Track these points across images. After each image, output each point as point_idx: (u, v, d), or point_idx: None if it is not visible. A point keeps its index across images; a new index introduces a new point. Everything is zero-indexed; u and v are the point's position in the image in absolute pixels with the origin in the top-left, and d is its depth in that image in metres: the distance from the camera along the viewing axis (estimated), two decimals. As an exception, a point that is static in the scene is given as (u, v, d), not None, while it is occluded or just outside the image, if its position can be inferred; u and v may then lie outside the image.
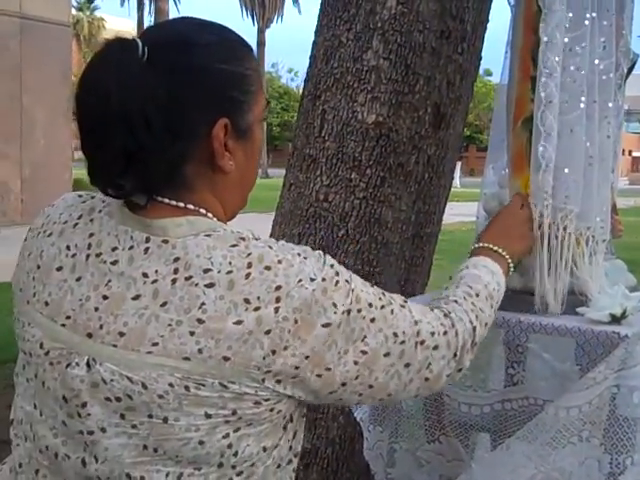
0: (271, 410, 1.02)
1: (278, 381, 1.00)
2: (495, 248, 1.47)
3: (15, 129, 11.78)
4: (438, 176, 2.02)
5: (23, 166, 12.05)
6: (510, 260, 1.48)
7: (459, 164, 37.75)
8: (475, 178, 36.79)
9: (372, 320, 1.06)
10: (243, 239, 1.01)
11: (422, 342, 1.12)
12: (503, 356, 1.66)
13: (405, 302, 1.15)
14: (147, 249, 1.02)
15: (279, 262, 1.00)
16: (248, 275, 0.98)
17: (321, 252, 1.04)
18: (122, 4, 46.17)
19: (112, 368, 0.99)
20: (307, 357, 1.00)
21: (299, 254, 1.02)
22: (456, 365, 1.20)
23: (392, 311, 1.10)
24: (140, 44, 1.00)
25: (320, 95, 2.01)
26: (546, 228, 1.64)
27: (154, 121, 0.98)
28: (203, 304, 0.97)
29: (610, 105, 1.69)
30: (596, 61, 1.66)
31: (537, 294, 1.65)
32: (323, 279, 1.01)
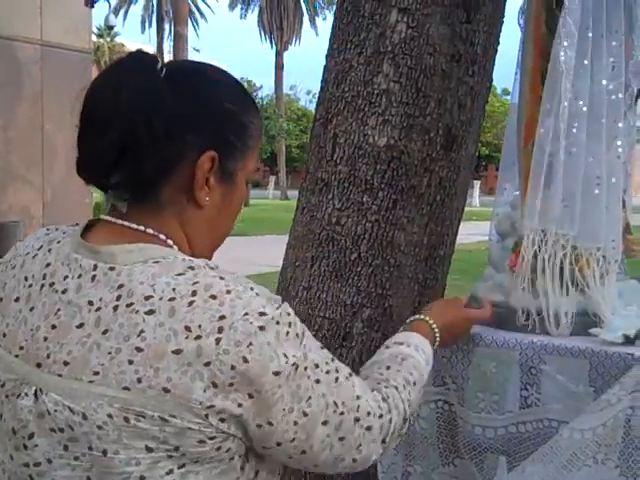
0: (218, 449, 0.98)
1: (222, 419, 0.96)
2: (436, 331, 1.51)
3: (37, 155, 11.91)
4: (450, 198, 2.02)
5: (45, 191, 12.17)
6: (437, 341, 1.52)
7: (478, 183, 37.76)
8: (494, 197, 36.73)
9: (317, 381, 1.03)
10: (192, 268, 1.00)
11: (358, 419, 1.09)
12: (517, 378, 1.65)
13: (350, 375, 1.12)
14: (94, 277, 1.01)
15: (227, 292, 0.97)
16: (191, 303, 0.96)
17: (281, 298, 1.03)
18: (142, 31, 46.73)
19: (56, 398, 0.97)
20: (252, 399, 0.96)
21: (252, 288, 1.00)
22: (382, 452, 1.16)
23: (337, 379, 1.07)
24: (160, 62, 1.06)
25: (331, 119, 2.02)
26: (544, 251, 1.64)
27: (156, 125, 1.01)
28: (142, 331, 0.95)
29: (620, 125, 1.70)
30: (604, 81, 1.66)
31: (544, 315, 1.66)
32: (277, 322, 0.98)
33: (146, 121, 1.00)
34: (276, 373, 0.97)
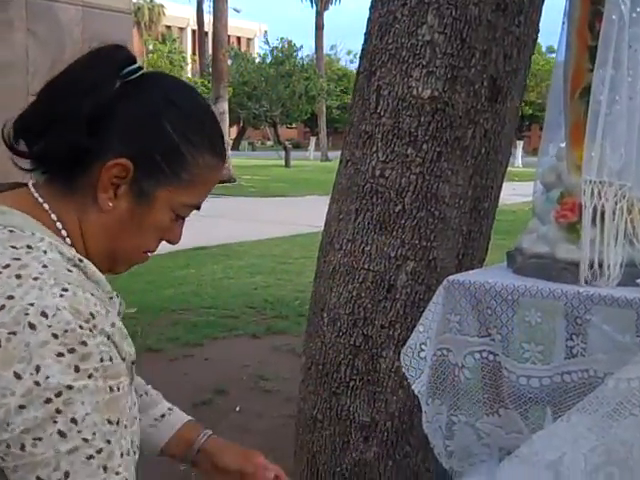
0: None
1: None
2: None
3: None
4: (495, 150, 2.01)
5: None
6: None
7: (520, 143, 37.16)
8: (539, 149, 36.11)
9: (61, 434, 0.89)
10: (30, 247, 0.96)
11: None
12: (562, 328, 1.65)
13: (117, 474, 0.93)
14: None
15: (34, 279, 0.93)
16: None
17: (100, 330, 0.93)
18: (182, -9, 46.51)
19: None
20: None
21: (66, 290, 0.93)
22: None
23: (90, 457, 0.90)
24: (134, 66, 1.05)
25: (375, 71, 2.01)
26: (598, 201, 1.63)
27: (85, 111, 0.99)
28: None
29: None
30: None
31: (585, 265, 1.65)
32: (54, 334, 0.89)
33: (79, 103, 0.99)
34: (17, 376, 0.88)
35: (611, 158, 1.64)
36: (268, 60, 34.90)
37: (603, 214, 1.65)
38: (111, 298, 1.06)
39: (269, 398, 5.20)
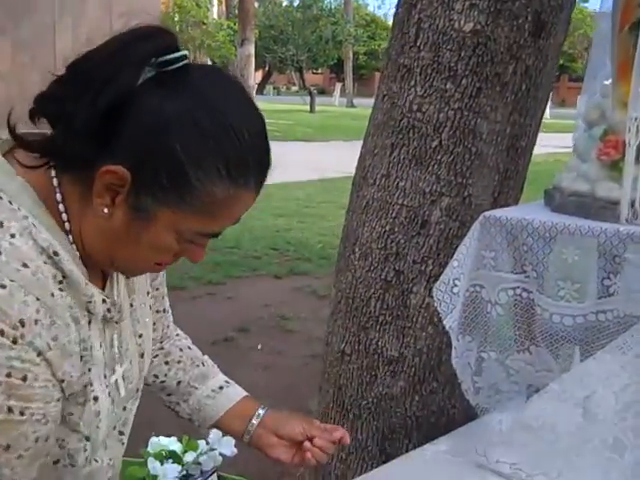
0: None
1: None
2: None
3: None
4: (536, 88, 1.98)
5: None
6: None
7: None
8: (566, 109, 35.64)
9: None
10: (1, 224, 0.88)
11: None
12: (600, 266, 1.64)
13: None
14: None
15: None
16: None
17: (31, 335, 0.85)
18: None
19: None
20: None
21: (3, 286, 0.84)
22: None
23: None
24: (168, 55, 0.90)
25: (416, 3, 1.97)
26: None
27: (100, 104, 0.87)
28: None
29: None
30: None
31: (626, 203, 1.63)
32: None
33: (95, 97, 0.87)
34: None
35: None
36: (296, 4, 34.41)
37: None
38: (89, 302, 0.96)
39: (290, 337, 5.26)
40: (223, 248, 7.53)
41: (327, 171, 13.06)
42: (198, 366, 1.40)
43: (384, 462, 1.95)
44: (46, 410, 0.89)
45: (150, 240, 0.95)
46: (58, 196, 0.94)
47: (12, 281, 0.84)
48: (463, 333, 1.83)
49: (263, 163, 0.96)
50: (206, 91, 0.91)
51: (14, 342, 0.83)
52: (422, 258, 1.99)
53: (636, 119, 1.60)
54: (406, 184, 1.97)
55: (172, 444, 2.46)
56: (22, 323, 0.84)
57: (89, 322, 0.98)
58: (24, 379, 0.85)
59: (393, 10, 2.07)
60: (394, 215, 1.98)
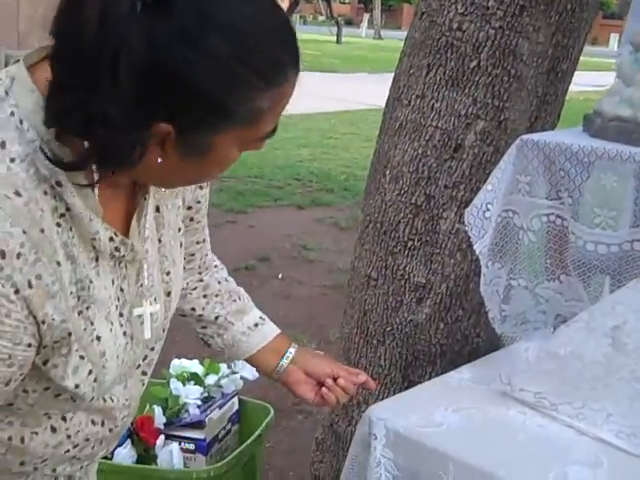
0: None
1: None
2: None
3: None
4: (581, 7, 1.90)
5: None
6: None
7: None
8: (598, 47, 34.85)
9: None
10: (3, 146, 0.83)
11: None
12: (637, 194, 1.60)
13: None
14: None
15: None
16: None
17: (10, 269, 0.80)
18: None
19: None
20: None
21: None
22: None
23: None
24: None
25: None
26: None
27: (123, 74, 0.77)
28: None
29: None
30: None
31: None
32: None
33: (114, 77, 0.78)
34: None
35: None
36: None
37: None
38: (94, 239, 0.92)
39: (311, 267, 5.27)
40: (245, 177, 7.51)
41: (351, 103, 12.91)
42: (235, 301, 1.39)
43: (406, 389, 1.94)
44: (13, 352, 0.84)
45: (215, 162, 0.92)
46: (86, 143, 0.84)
47: None
48: (493, 260, 1.80)
49: (294, 51, 0.89)
50: (204, 5, 0.80)
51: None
52: (454, 183, 1.94)
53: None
54: (441, 105, 1.91)
55: (194, 366, 2.48)
56: (2, 254, 0.80)
57: (96, 259, 0.93)
58: None
59: None
60: (427, 138, 1.93)
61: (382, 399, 2.06)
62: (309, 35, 33.56)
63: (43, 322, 0.86)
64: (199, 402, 2.35)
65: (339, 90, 14.56)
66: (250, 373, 2.39)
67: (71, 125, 0.81)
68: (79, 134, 0.82)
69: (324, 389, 1.35)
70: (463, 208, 1.84)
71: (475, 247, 1.76)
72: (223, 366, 2.46)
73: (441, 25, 1.90)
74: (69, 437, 1.04)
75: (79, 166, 0.85)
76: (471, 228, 1.70)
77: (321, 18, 53.06)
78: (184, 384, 2.40)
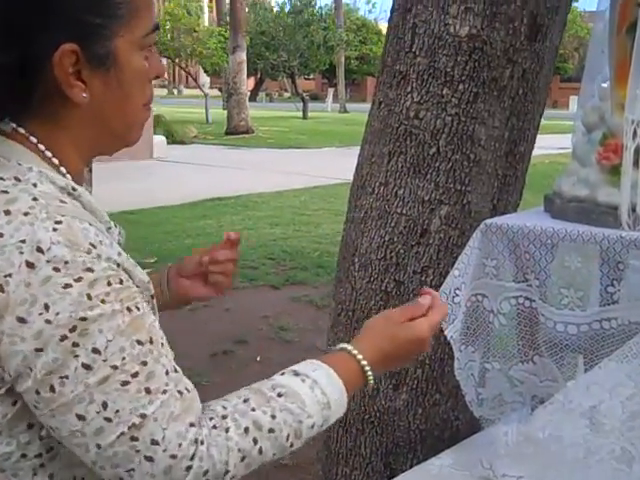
0: None
1: None
2: (365, 366, 1.12)
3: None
4: (533, 91, 1.95)
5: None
6: (370, 378, 1.13)
7: (542, 96, 36.39)
8: (558, 110, 35.63)
9: (86, 367, 0.85)
10: (18, 179, 0.90)
11: (135, 438, 0.87)
12: (603, 273, 1.61)
13: (164, 392, 0.89)
14: None
15: (25, 214, 0.86)
16: None
17: (105, 252, 0.88)
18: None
19: None
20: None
21: (59, 222, 0.86)
22: None
23: (124, 383, 0.87)
24: None
25: (410, 8, 1.94)
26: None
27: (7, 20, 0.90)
28: None
29: None
30: None
31: (625, 209, 1.60)
32: (55, 268, 0.84)
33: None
34: (21, 320, 0.84)
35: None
36: (286, 9, 34.41)
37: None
38: (109, 228, 1.00)
39: (289, 348, 5.22)
40: (219, 258, 7.49)
41: (321, 178, 13.02)
42: None
43: (389, 477, 1.91)
44: (145, 305, 0.93)
45: (132, 76, 0.97)
46: (40, 146, 0.96)
47: (63, 215, 0.87)
48: (465, 344, 1.79)
49: None
50: None
51: (97, 259, 0.87)
52: (422, 268, 1.95)
53: (633, 122, 1.57)
54: (405, 192, 1.94)
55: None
56: (93, 245, 0.87)
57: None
58: (121, 282, 0.89)
59: (384, 14, 2.05)
60: (393, 224, 1.95)
61: (365, 489, 2.03)
62: (276, 112, 34.07)
63: (138, 287, 0.94)
64: None
65: (308, 166, 14.69)
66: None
67: None
68: None
69: (209, 275, 1.32)
70: (433, 292, 1.84)
71: (446, 333, 1.75)
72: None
73: (399, 114, 1.94)
74: None
75: None
76: (441, 314, 1.70)
77: (287, 94, 54.01)
78: None
